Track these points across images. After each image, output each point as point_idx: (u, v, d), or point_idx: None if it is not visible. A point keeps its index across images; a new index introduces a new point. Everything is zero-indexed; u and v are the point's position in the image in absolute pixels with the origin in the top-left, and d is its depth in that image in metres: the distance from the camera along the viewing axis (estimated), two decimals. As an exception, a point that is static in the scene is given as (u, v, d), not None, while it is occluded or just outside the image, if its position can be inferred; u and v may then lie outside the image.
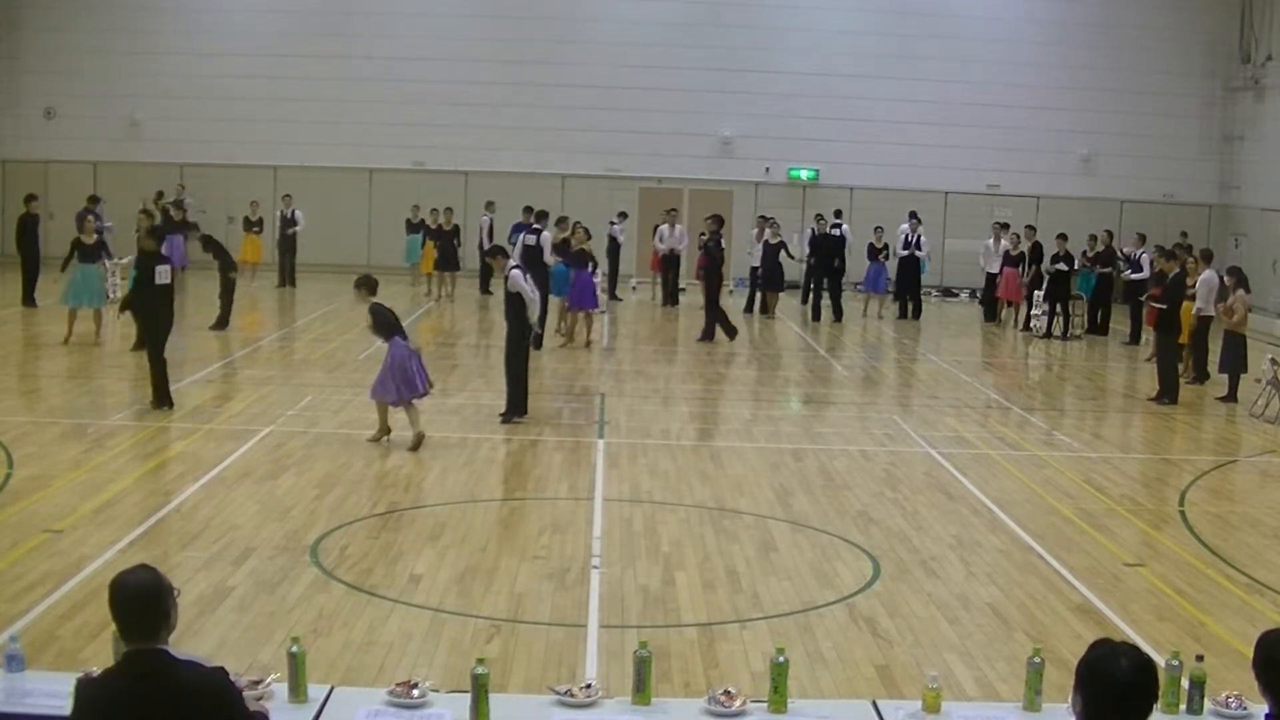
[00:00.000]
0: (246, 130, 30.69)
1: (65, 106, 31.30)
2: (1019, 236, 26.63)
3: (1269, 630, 4.20)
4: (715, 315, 21.56)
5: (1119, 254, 26.03)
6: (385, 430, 13.55)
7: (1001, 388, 19.64)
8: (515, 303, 14.48)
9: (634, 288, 29.42)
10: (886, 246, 27.30)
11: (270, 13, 31.28)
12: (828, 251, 26.58)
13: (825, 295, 26.61)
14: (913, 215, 27.94)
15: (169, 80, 30.83)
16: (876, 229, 27.48)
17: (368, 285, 13.72)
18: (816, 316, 26.46)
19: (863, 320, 26.72)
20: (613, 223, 28.41)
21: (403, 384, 13.39)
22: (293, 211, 28.26)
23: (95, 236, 19.79)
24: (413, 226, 28.83)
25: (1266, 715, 4.08)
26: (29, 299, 23.60)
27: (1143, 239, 25.69)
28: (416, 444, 13.26)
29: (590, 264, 21.51)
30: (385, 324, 13.61)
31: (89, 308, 19.30)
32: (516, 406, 14.91)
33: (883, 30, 31.51)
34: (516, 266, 14.88)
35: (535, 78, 31.08)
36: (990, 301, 27.40)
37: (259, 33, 31.08)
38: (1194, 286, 19.09)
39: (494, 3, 31.69)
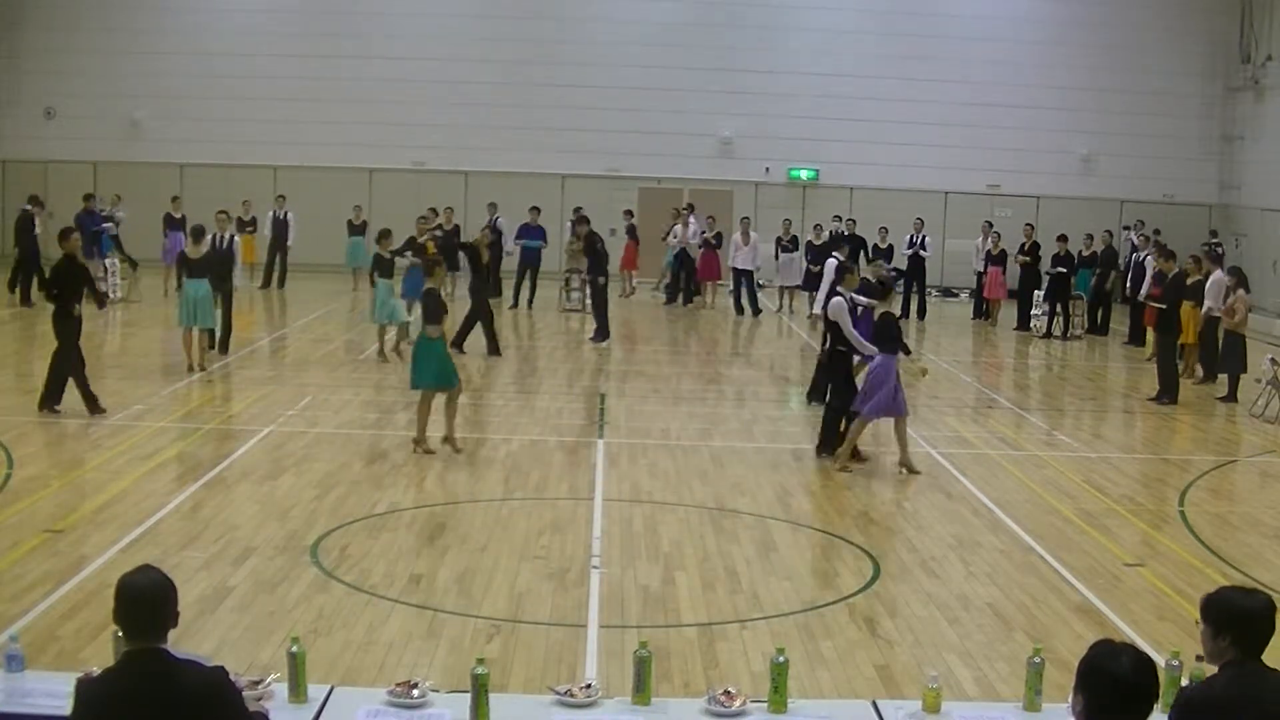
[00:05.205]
0: (246, 130, 30.65)
1: (65, 106, 31.29)
2: (999, 235, 26.76)
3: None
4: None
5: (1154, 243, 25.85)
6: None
7: (1001, 387, 19.64)
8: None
9: (634, 286, 29.39)
10: (891, 247, 27.31)
11: (270, 13, 31.27)
12: (852, 252, 26.74)
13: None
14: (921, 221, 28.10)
15: (169, 80, 30.82)
16: (881, 229, 27.44)
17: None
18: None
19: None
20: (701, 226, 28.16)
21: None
22: (285, 213, 28.03)
23: (203, 251, 17.60)
24: (354, 228, 28.48)
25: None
26: (26, 299, 23.63)
27: (1147, 240, 25.69)
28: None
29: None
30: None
31: (201, 328, 17.45)
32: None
33: (883, 30, 31.50)
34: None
35: (535, 78, 31.07)
36: (978, 299, 27.56)
37: (259, 33, 31.07)
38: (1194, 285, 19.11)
39: (494, 3, 31.68)
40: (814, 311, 13.64)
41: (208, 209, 24.42)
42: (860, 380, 13.48)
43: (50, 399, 14.29)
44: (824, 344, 15.45)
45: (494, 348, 19.63)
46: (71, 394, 14.31)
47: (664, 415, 15.89)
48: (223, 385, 16.96)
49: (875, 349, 13.17)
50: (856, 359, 13.58)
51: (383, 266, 18.79)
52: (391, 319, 18.85)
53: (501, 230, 26.62)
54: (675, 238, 27.91)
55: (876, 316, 13.26)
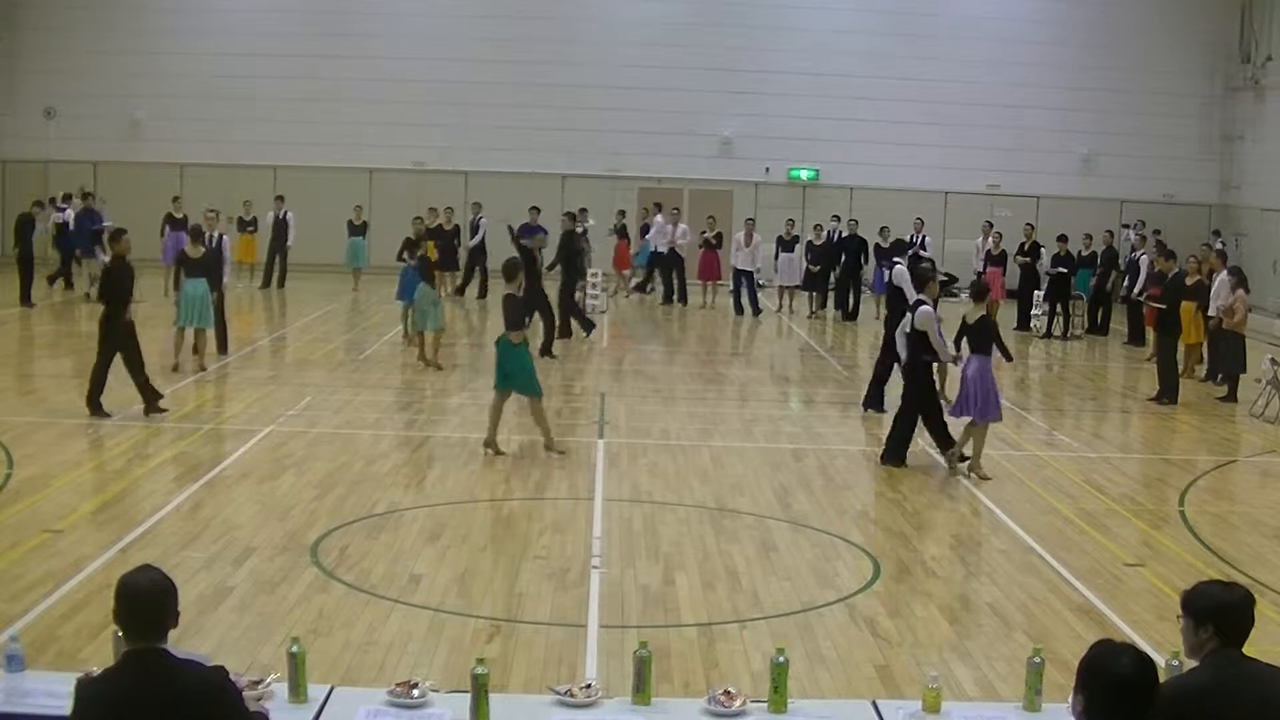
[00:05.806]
0: (246, 130, 30.67)
1: (65, 106, 31.28)
2: (1000, 235, 26.74)
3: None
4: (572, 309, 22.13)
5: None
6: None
7: (1001, 388, 19.58)
8: None
9: (633, 285, 29.38)
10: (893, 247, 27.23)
11: (270, 13, 31.28)
12: (853, 252, 26.83)
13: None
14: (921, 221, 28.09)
15: (169, 80, 30.82)
16: (882, 229, 27.39)
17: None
18: (846, 316, 26.60)
19: (874, 321, 26.71)
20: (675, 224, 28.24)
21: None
22: (285, 214, 28.02)
23: (202, 250, 17.40)
24: (355, 229, 28.48)
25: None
26: (26, 299, 23.63)
27: (1144, 239, 25.69)
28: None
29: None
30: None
31: (198, 327, 17.34)
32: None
33: (882, 30, 31.51)
34: None
35: (535, 78, 31.07)
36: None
37: (259, 33, 31.07)
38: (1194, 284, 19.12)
39: (494, 3, 31.67)
40: (906, 331, 13.62)
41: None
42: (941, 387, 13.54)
43: (151, 399, 14.28)
44: (882, 351, 15.53)
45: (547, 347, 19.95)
46: (79, 390, 14.30)
47: (664, 415, 15.89)
48: (223, 385, 16.95)
49: (954, 352, 13.21)
50: (936, 366, 13.52)
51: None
52: (430, 326, 18.51)
53: (484, 230, 27.02)
54: (665, 235, 27.90)
55: (973, 321, 13.13)
